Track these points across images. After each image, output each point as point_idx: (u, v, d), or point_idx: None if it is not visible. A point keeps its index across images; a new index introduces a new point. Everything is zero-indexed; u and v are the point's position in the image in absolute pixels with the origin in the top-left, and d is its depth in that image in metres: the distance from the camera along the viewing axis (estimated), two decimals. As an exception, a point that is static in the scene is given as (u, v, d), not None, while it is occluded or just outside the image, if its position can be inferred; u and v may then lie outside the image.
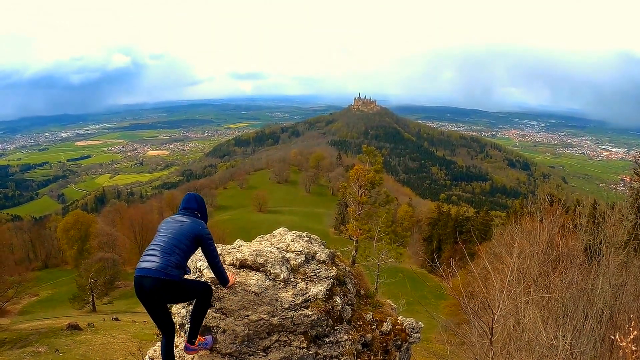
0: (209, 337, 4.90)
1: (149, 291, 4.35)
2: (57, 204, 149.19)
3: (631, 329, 3.62)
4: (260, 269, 5.27)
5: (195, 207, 5.01)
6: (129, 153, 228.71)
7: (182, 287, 4.56)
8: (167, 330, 4.60)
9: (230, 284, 5.05)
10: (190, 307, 5.08)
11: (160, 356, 4.71)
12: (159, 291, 4.37)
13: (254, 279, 5.12)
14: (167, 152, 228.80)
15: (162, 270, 4.36)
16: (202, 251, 4.85)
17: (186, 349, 4.81)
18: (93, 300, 41.41)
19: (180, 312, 5.34)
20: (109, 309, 42.33)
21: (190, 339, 4.78)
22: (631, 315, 6.54)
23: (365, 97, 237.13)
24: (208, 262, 4.87)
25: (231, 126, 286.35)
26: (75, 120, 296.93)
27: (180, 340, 5.16)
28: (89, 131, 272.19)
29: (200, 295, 4.70)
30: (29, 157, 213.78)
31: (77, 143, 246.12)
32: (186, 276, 4.74)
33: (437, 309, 32.54)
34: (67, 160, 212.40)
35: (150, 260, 4.43)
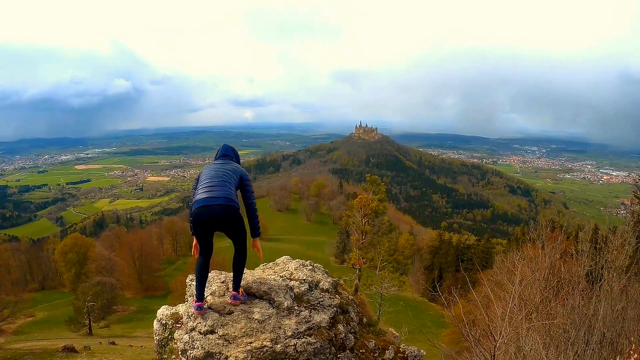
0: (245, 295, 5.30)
1: (220, 215, 4.74)
2: (56, 227, 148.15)
3: (632, 352, 3.66)
4: (264, 297, 5.32)
5: (232, 155, 5.56)
6: (129, 178, 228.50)
7: (240, 219, 4.93)
8: (208, 253, 5.02)
9: (259, 254, 5.51)
10: None
11: (196, 272, 4.99)
12: (228, 216, 4.77)
13: (257, 307, 5.16)
14: (167, 178, 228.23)
15: (228, 197, 4.80)
16: (241, 191, 5.26)
17: (234, 298, 5.12)
18: (90, 323, 40.75)
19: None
20: (105, 332, 41.72)
21: (236, 288, 5.16)
22: (632, 339, 6.53)
23: (366, 125, 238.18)
24: (246, 203, 5.24)
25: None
26: (75, 143, 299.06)
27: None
28: (89, 155, 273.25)
29: (242, 238, 5.06)
30: (27, 179, 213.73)
31: (76, 167, 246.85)
32: None
33: (438, 338, 32.06)
34: (67, 184, 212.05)
35: (213, 191, 4.82)
